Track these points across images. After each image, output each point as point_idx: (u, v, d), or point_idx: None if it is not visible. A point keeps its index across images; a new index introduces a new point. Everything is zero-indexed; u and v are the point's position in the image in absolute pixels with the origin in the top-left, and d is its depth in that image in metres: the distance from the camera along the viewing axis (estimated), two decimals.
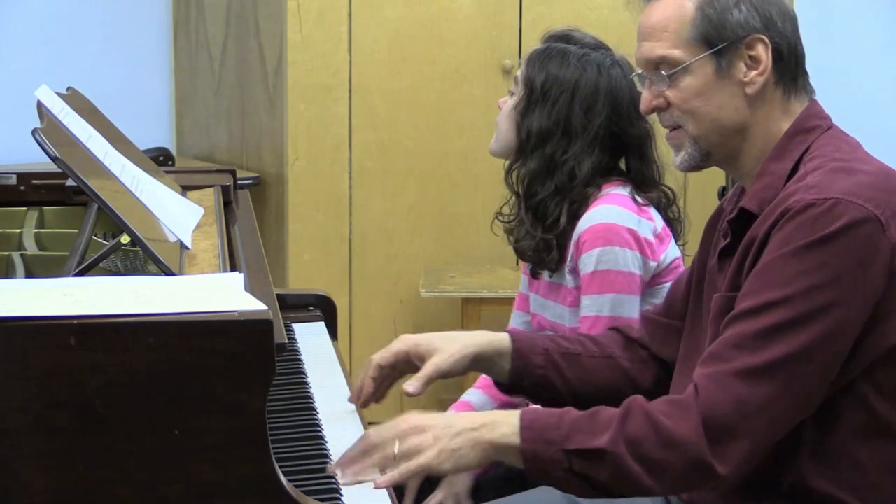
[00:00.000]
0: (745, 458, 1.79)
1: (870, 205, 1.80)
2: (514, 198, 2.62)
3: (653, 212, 2.54)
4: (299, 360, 2.31)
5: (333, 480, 1.80)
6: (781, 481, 1.87)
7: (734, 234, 1.95)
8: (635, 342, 2.19)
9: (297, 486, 1.67)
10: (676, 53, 1.92)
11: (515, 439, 1.80)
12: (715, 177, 4.25)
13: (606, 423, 1.80)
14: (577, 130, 2.52)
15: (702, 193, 4.26)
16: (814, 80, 2.00)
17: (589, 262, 2.45)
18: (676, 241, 2.58)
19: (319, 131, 4.21)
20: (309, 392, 2.16)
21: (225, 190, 2.55)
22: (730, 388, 1.77)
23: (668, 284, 2.37)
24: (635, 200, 2.51)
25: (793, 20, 1.95)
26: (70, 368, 1.56)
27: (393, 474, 1.77)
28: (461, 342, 2.09)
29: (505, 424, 1.81)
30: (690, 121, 1.94)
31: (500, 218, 2.67)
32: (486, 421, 1.82)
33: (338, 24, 4.19)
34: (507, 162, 2.63)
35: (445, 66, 4.19)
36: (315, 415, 2.06)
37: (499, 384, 2.17)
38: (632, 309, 2.45)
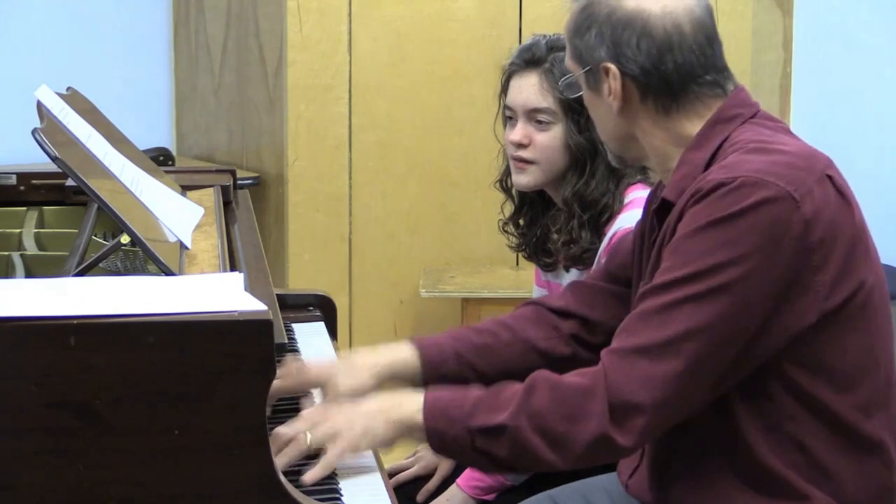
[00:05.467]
0: (648, 431, 1.79)
1: (781, 182, 1.78)
2: (559, 211, 2.47)
3: None
4: (299, 360, 2.31)
5: (334, 480, 1.80)
6: (736, 459, 1.87)
7: (659, 224, 1.96)
8: (554, 313, 2.17)
9: (297, 486, 1.67)
10: (570, 64, 2.00)
11: (419, 417, 1.82)
12: None
13: (509, 398, 1.81)
14: None
15: None
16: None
17: None
18: None
19: (319, 131, 4.21)
20: (309, 392, 2.15)
21: (225, 190, 2.56)
22: (634, 364, 1.78)
23: None
24: None
25: (656, 43, 1.89)
26: (70, 368, 1.56)
27: (316, 469, 1.78)
28: (365, 371, 2.06)
29: (410, 402, 1.84)
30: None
31: (556, 232, 2.47)
32: (392, 401, 1.86)
33: (338, 24, 4.19)
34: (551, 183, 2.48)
35: (445, 66, 4.19)
36: None
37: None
38: None
